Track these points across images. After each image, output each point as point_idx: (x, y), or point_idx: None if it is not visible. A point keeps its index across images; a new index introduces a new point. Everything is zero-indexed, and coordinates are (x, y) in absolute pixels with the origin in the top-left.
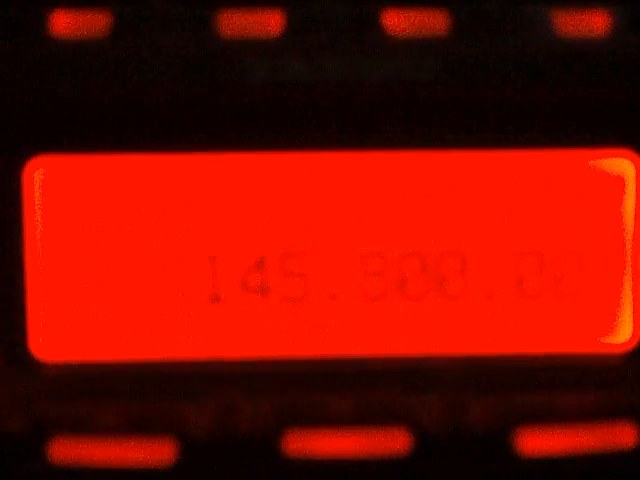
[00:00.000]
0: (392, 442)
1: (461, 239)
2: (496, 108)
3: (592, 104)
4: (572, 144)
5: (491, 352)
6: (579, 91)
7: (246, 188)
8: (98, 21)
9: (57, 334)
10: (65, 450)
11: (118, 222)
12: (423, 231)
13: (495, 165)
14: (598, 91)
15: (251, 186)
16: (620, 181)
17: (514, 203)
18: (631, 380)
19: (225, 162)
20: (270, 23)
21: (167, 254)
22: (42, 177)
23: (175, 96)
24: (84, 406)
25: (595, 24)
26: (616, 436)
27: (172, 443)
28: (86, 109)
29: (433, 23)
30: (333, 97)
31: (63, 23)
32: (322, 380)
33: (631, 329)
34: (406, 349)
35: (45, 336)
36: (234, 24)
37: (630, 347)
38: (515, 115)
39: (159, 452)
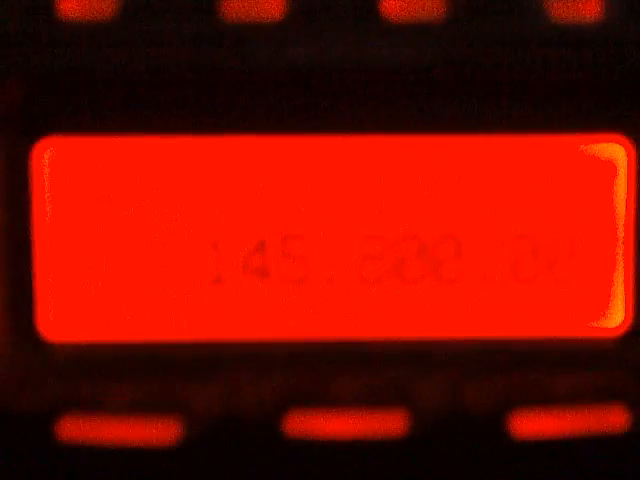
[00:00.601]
0: (391, 423)
1: (456, 223)
2: (491, 93)
3: (584, 89)
4: (564, 129)
5: (486, 335)
6: (572, 76)
7: (248, 171)
8: (106, 3)
9: (64, 315)
10: (72, 429)
11: (124, 204)
12: (420, 215)
13: (490, 150)
14: (590, 76)
15: (253, 169)
16: (612, 166)
17: (508, 188)
18: (623, 364)
19: (228, 145)
20: (272, 7)
21: (171, 236)
22: (51, 158)
23: (179, 79)
24: (91, 386)
25: (588, 9)
26: (608, 419)
27: (177, 422)
28: (94, 91)
29: (431, 8)
30: (333, 81)
31: (72, 5)
32: (322, 362)
33: (623, 313)
34: (403, 332)
35: (53, 316)
36: (237, 8)
37: (622, 331)
38: (509, 100)
39: (164, 431)
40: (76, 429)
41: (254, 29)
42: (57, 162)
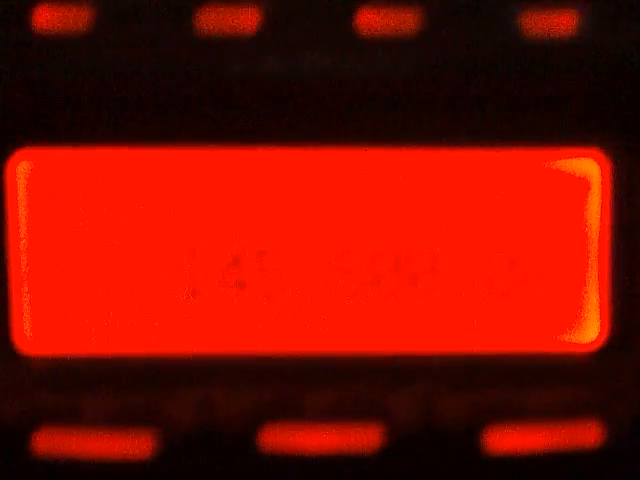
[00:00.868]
0: (365, 437)
1: (432, 237)
2: (465, 107)
3: (559, 104)
4: (539, 144)
5: (461, 350)
6: (546, 91)
7: (224, 184)
8: (80, 15)
9: (40, 328)
10: (48, 443)
11: (100, 216)
12: (396, 229)
13: (464, 164)
14: (564, 91)
15: (229, 182)
16: (585, 181)
17: (484, 202)
18: (598, 379)
19: (204, 158)
20: (247, 19)
21: (148, 248)
22: (26, 170)
23: (153, 91)
24: (67, 399)
25: (563, 23)
26: (582, 435)
27: (152, 436)
28: (68, 102)
29: (406, 21)
30: (308, 94)
31: (46, 17)
32: (298, 375)
33: (598, 328)
34: (379, 346)
35: (29, 329)
36: (212, 20)
37: (597, 346)
38: (484, 114)
39: (140, 445)
40: (52, 442)
41: (228, 41)
42: (32, 174)
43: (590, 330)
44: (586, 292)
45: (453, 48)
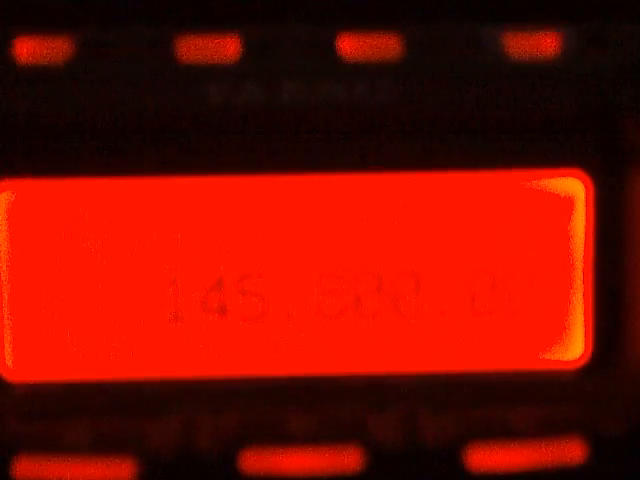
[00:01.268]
0: (347, 459)
1: (415, 259)
2: (448, 130)
3: (542, 125)
4: (522, 164)
5: (444, 369)
6: (530, 112)
7: (204, 210)
8: (60, 46)
9: (23, 355)
10: (28, 469)
11: (81, 244)
12: (378, 251)
13: (447, 186)
14: (548, 112)
15: (209, 208)
16: (570, 201)
17: (467, 223)
18: (582, 397)
19: (185, 186)
20: (227, 48)
21: (130, 275)
22: (7, 200)
23: (134, 121)
24: (48, 426)
25: (545, 46)
26: (566, 452)
27: (133, 461)
28: (50, 133)
29: (387, 47)
30: (289, 121)
31: (26, 49)
32: (280, 398)
33: (582, 346)
34: (361, 367)
35: (12, 357)
36: (192, 49)
37: (581, 364)
38: (467, 136)
39: (120, 471)
40: (32, 469)
41: (209, 70)
42: (13, 205)
43: (574, 348)
44: (570, 310)
45: (436, 72)
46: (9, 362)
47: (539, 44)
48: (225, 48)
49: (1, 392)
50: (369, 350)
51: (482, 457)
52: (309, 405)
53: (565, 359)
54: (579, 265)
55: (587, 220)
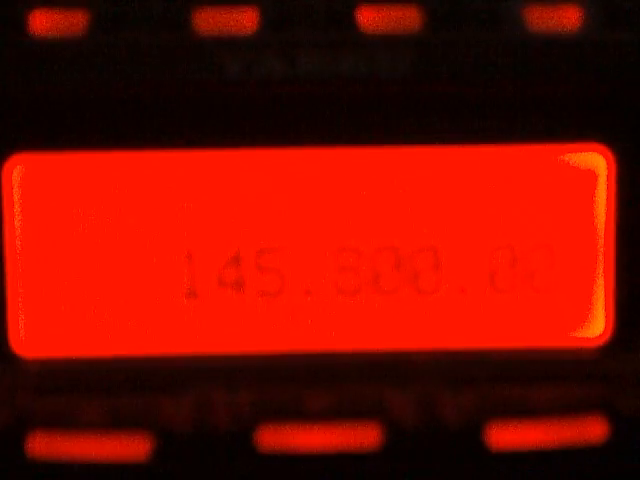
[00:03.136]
0: (365, 436)
1: (434, 234)
2: (468, 103)
3: (564, 99)
4: (544, 139)
5: (464, 346)
6: (551, 86)
7: (222, 184)
8: (76, 19)
9: (37, 330)
10: (43, 445)
11: (96, 219)
12: (396, 226)
13: (468, 160)
14: (570, 86)
15: (226, 182)
16: (592, 176)
17: (488, 198)
18: (603, 374)
19: (201, 159)
20: (245, 20)
21: (144, 250)
22: (21, 174)
23: (151, 93)
24: (62, 401)
25: (567, 19)
26: (587, 430)
27: (149, 438)
28: (64, 107)
29: (407, 18)
30: (307, 94)
31: (42, 22)
32: (297, 375)
33: (603, 323)
34: (380, 344)
35: (24, 332)
36: (209, 21)
37: (602, 341)
38: (487, 110)
39: (136, 447)
40: (46, 445)
41: (227, 43)
42: (27, 179)
43: (596, 325)
44: (592, 287)
45: (457, 44)
46: (22, 337)
47: (561, 17)
48: (243, 20)
49: (15, 368)
50: (387, 327)
51: (502, 435)
52: (326, 382)
53: (586, 337)
54: (601, 241)
55: (609, 195)
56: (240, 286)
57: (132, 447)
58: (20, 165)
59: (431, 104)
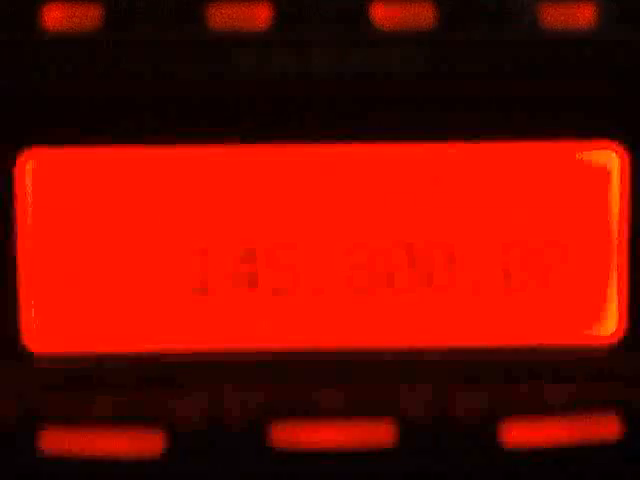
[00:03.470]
0: (379, 434)
1: (448, 231)
2: (482, 100)
3: (578, 96)
4: (558, 136)
5: (477, 344)
6: (565, 83)
7: (235, 181)
8: (89, 14)
9: (49, 326)
10: (55, 441)
11: (109, 214)
12: (411, 224)
13: (482, 157)
14: (584, 83)
15: (240, 179)
16: (605, 173)
17: (501, 195)
18: (617, 372)
19: (214, 155)
20: (258, 16)
21: (157, 246)
22: (33, 169)
23: (164, 89)
24: (75, 397)
25: (581, 16)
26: (601, 428)
27: (161, 434)
28: (77, 102)
29: (420, 15)
30: (321, 90)
31: (55, 16)
32: (309, 372)
33: (617, 321)
34: (393, 341)
35: (37, 327)
36: (222, 17)
37: (616, 339)
38: (502, 107)
39: (148, 443)
40: (59, 441)
41: (240, 38)
42: (40, 174)
43: (609, 323)
44: (605, 285)
45: (472, 41)
46: (35, 333)
47: (575, 14)
48: (256, 15)
49: (27, 364)
50: (401, 324)
51: (515, 433)
52: (340, 379)
53: (600, 334)
54: (614, 239)
55: (623, 193)
56: (253, 283)
57: (144, 443)
58: (33, 160)
59: (446, 101)
